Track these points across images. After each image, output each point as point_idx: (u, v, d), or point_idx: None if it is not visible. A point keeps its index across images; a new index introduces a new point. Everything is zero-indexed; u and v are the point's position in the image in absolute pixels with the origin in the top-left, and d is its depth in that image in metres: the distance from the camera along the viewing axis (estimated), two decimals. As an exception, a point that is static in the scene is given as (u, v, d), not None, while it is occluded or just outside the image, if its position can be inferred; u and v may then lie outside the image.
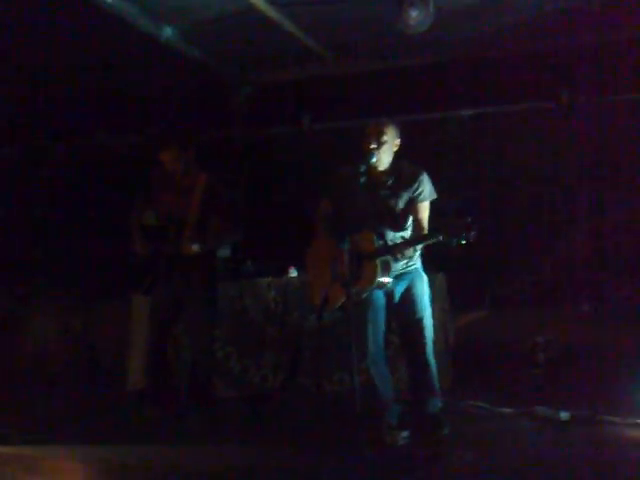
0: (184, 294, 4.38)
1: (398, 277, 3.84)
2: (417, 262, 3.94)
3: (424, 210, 3.89)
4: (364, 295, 3.78)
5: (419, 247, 3.82)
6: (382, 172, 3.91)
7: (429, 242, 3.67)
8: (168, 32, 5.19)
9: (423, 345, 3.84)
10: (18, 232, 4.19)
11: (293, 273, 5.25)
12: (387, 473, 3.39)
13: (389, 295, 3.86)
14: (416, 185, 3.87)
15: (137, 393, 5.01)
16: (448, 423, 3.82)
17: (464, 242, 3.43)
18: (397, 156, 3.93)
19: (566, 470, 3.33)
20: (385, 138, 3.84)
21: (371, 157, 3.78)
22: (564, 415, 4.05)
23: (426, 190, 3.88)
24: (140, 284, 4.46)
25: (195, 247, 4.26)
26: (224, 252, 4.93)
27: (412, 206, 3.88)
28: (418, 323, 3.85)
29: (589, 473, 3.29)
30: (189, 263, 4.30)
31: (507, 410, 4.29)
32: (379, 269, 3.69)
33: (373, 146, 3.81)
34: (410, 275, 3.90)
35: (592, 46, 5.35)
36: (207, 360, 4.53)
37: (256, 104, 6.33)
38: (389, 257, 3.72)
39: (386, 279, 3.73)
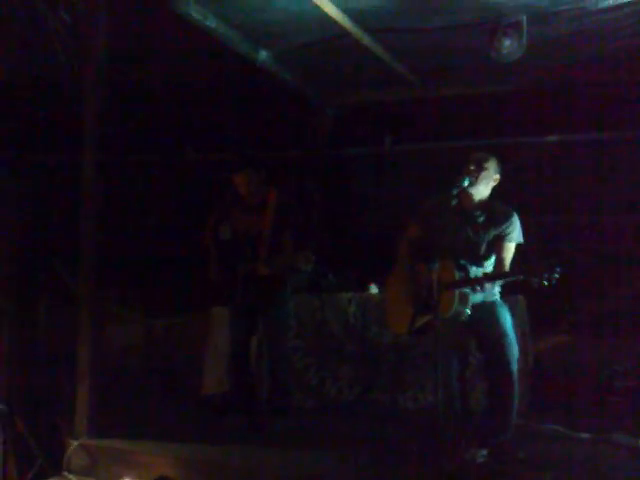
0: (259, 305, 4.54)
1: (478, 307, 3.87)
2: (497, 294, 3.99)
3: (509, 251, 3.91)
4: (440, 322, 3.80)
5: (499, 282, 3.90)
6: (475, 205, 3.95)
7: (509, 279, 3.75)
8: (263, 55, 5.38)
9: (509, 374, 3.86)
10: (111, 239, 4.48)
11: (374, 289, 5.35)
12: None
13: (470, 322, 3.88)
14: (506, 225, 3.89)
15: (217, 398, 5.19)
16: (522, 449, 3.89)
17: (546, 283, 3.46)
18: (492, 194, 3.98)
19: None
20: (487, 165, 3.88)
21: (464, 180, 3.83)
22: (642, 442, 4.05)
23: (515, 232, 3.91)
24: (219, 296, 4.70)
25: (268, 269, 4.36)
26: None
27: (498, 245, 3.90)
28: (503, 351, 3.87)
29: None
30: (264, 277, 4.47)
31: (584, 435, 4.28)
32: (456, 300, 3.75)
33: (472, 168, 3.87)
34: (490, 305, 3.94)
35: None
36: (284, 369, 4.67)
37: (340, 125, 6.53)
38: (468, 290, 3.78)
39: (463, 309, 3.79)
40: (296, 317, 5.20)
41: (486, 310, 3.91)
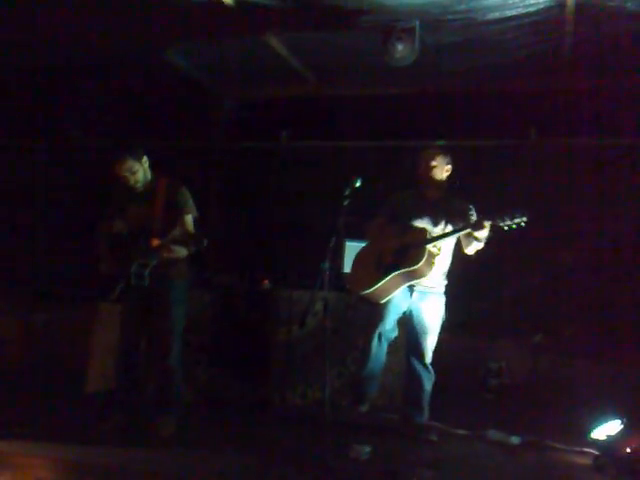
0: (154, 301, 4.46)
1: (422, 294, 4.29)
2: (442, 286, 4.36)
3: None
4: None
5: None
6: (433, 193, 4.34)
7: (477, 228, 4.05)
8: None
9: (423, 359, 4.33)
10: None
11: (267, 286, 5.36)
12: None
13: (412, 307, 4.32)
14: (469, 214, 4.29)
15: (101, 396, 5.01)
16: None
17: (514, 226, 3.90)
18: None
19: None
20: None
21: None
22: (515, 439, 4.27)
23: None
24: (109, 291, 4.55)
25: (160, 241, 4.27)
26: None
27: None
28: (424, 339, 4.31)
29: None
30: (160, 271, 4.39)
31: (461, 432, 4.47)
32: (425, 255, 4.09)
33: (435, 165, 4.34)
34: (432, 295, 4.32)
35: (560, 91, 5.62)
36: (174, 366, 4.59)
37: (237, 118, 6.48)
38: (436, 248, 4.15)
39: (428, 267, 4.12)
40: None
41: (425, 300, 4.30)
